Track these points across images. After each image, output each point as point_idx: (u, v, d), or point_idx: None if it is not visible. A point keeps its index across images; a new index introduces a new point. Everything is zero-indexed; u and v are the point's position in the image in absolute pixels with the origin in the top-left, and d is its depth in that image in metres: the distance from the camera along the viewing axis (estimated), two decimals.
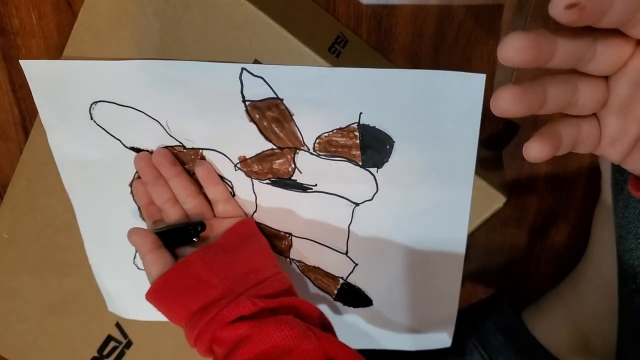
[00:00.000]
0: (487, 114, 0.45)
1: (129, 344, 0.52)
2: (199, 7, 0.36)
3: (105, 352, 0.52)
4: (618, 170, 0.34)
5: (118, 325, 0.51)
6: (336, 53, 0.38)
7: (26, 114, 0.49)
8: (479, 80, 0.32)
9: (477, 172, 0.37)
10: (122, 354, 0.52)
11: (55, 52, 0.46)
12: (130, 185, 0.43)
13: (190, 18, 0.36)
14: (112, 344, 0.52)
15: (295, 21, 0.37)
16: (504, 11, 0.41)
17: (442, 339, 0.45)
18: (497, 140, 0.46)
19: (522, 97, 0.24)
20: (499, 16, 0.41)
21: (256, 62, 0.36)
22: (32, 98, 0.48)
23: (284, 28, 0.35)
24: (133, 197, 0.44)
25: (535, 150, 0.25)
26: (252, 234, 0.41)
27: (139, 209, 0.44)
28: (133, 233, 0.41)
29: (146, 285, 0.42)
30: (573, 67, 0.25)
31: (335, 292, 0.44)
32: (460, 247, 0.39)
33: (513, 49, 0.22)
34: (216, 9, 0.35)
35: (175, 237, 0.41)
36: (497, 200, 0.38)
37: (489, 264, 0.53)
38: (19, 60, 0.39)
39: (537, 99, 0.24)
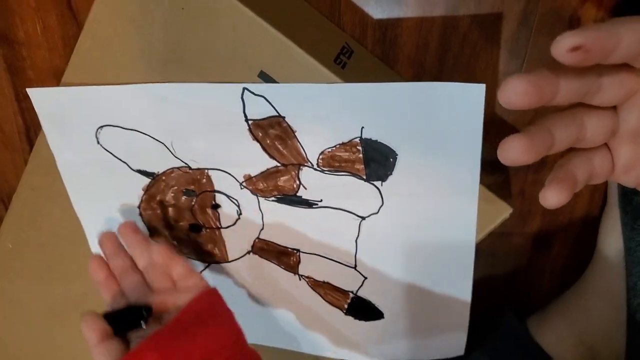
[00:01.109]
0: (492, 124, 0.45)
1: None
2: (204, 18, 0.36)
3: None
4: None
5: None
6: (342, 64, 0.38)
7: (30, 124, 0.49)
8: (478, 90, 0.32)
9: (482, 183, 0.37)
10: None
11: (60, 62, 0.46)
12: (139, 206, 0.44)
13: (196, 29, 0.36)
14: None
15: (301, 32, 0.37)
16: (509, 22, 0.41)
17: (455, 348, 0.45)
18: None
19: (531, 147, 0.23)
20: (504, 27, 0.41)
21: (262, 73, 0.36)
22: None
23: (289, 39, 0.35)
24: (142, 218, 0.44)
25: (554, 198, 0.24)
26: (213, 308, 0.37)
27: (148, 229, 0.44)
28: (82, 323, 0.36)
29: None
30: (578, 102, 0.24)
31: (346, 306, 0.44)
32: (469, 257, 0.39)
33: (514, 93, 0.21)
34: (221, 20, 0.35)
35: (124, 319, 0.36)
36: (504, 211, 0.38)
37: (494, 273, 0.53)
38: (26, 89, 0.40)
39: (545, 145, 0.23)
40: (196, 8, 0.35)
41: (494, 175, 0.43)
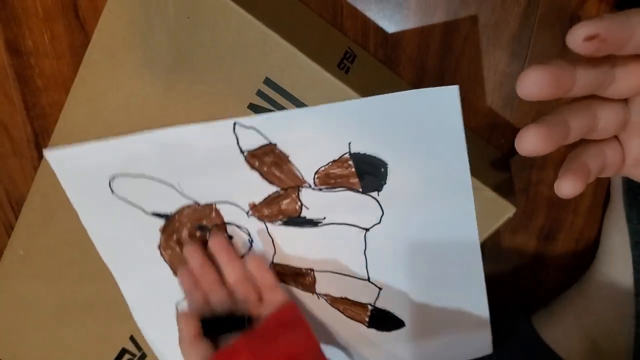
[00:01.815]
0: (495, 125, 0.45)
1: (143, 357, 0.53)
2: (208, 26, 0.36)
3: None
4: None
5: (132, 339, 0.52)
6: (345, 69, 0.39)
7: (39, 131, 0.50)
8: (453, 91, 0.34)
9: (485, 182, 0.38)
10: None
11: (68, 71, 0.46)
12: (159, 247, 0.46)
13: (200, 38, 0.37)
14: (127, 356, 0.53)
15: (304, 38, 0.38)
16: (510, 23, 0.42)
17: (482, 346, 0.45)
18: (505, 149, 0.46)
19: (549, 136, 0.23)
20: (505, 28, 0.42)
21: (267, 80, 0.37)
22: (45, 116, 0.49)
23: (293, 45, 0.36)
24: (164, 258, 0.46)
25: (569, 188, 0.24)
26: (294, 320, 0.42)
27: (171, 268, 0.46)
28: (179, 316, 0.42)
29: None
30: (591, 93, 0.24)
31: (367, 319, 0.45)
32: (475, 251, 0.40)
33: (534, 84, 0.21)
34: (226, 28, 0.36)
35: (220, 326, 0.42)
36: (507, 210, 0.39)
37: (498, 270, 0.53)
38: (43, 150, 0.42)
39: (562, 135, 0.24)
40: (201, 17, 0.36)
41: (498, 174, 0.43)
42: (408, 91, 0.34)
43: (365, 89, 0.37)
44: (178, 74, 0.38)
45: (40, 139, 0.50)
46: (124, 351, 0.53)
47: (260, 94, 0.37)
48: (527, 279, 0.53)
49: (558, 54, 0.42)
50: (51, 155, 0.42)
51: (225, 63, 0.37)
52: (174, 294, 0.48)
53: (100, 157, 0.41)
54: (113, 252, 0.47)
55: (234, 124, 0.38)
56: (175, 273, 0.47)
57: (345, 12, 0.43)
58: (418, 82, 0.44)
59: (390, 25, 0.43)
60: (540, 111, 0.44)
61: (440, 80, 0.44)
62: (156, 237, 0.45)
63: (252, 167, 0.39)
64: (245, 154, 0.39)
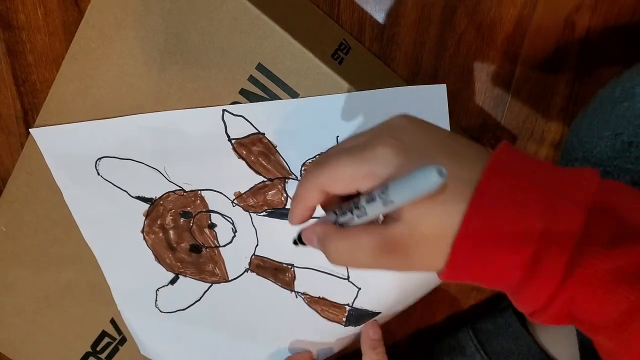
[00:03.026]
0: (485, 125, 0.46)
1: (122, 341, 0.52)
2: (204, 9, 0.36)
3: (98, 348, 0.53)
4: None
5: (113, 322, 0.51)
6: (339, 60, 0.39)
7: (28, 108, 0.49)
8: (441, 90, 0.34)
9: None
10: (115, 350, 0.53)
11: (60, 48, 0.46)
12: (142, 231, 0.45)
13: (196, 20, 0.37)
14: (106, 339, 0.52)
15: (300, 27, 0.37)
16: (505, 24, 0.42)
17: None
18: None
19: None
20: (500, 29, 0.42)
21: (260, 65, 0.36)
22: (35, 93, 0.48)
23: (288, 33, 0.36)
24: (146, 243, 0.46)
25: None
26: None
27: (154, 254, 0.46)
28: None
29: (171, 326, 0.47)
30: None
31: (344, 319, 0.45)
32: None
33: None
34: (222, 12, 0.36)
35: None
36: None
37: None
38: (30, 130, 0.42)
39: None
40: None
41: None
42: (397, 87, 0.35)
43: (358, 81, 0.37)
44: (171, 56, 0.38)
45: (30, 116, 0.50)
46: (103, 334, 0.52)
47: (252, 79, 0.37)
48: None
49: (550, 58, 0.43)
50: (38, 133, 0.42)
51: (219, 47, 0.37)
52: (156, 280, 0.47)
53: (88, 138, 0.41)
54: (96, 233, 0.46)
55: (223, 110, 0.38)
56: (157, 258, 0.46)
57: (343, 3, 0.43)
58: (412, 78, 0.45)
59: (386, 20, 0.43)
60: (531, 113, 0.45)
61: (433, 77, 0.44)
62: (140, 221, 0.45)
63: (239, 155, 0.39)
64: (232, 142, 0.39)
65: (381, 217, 0.25)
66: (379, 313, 0.44)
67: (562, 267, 0.21)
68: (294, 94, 0.37)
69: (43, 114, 0.42)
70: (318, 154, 0.38)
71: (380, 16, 0.43)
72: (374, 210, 0.24)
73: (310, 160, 0.39)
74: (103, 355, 0.53)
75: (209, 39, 0.37)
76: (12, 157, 0.51)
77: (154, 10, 0.37)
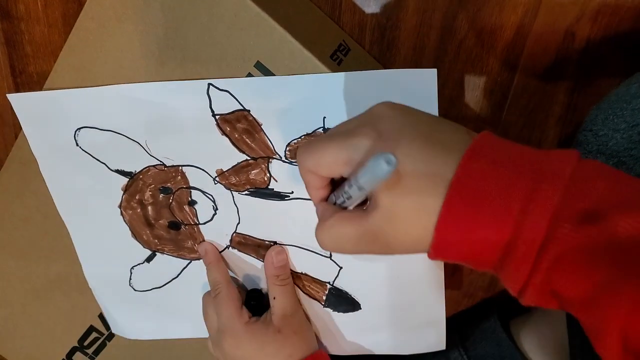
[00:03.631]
0: (461, 115, 0.45)
1: (110, 336, 0.52)
2: (205, 5, 0.36)
3: (85, 343, 0.52)
4: None
5: (101, 317, 0.51)
6: (338, 60, 0.38)
7: None
8: (431, 74, 0.34)
9: None
10: (103, 345, 0.52)
11: (59, 39, 0.46)
12: (120, 207, 0.44)
13: (196, 15, 0.36)
14: (94, 334, 0.52)
15: (300, 27, 0.37)
16: (505, 31, 0.42)
17: (435, 342, 0.45)
18: None
19: None
20: (500, 36, 0.42)
21: (258, 63, 0.36)
22: (32, 84, 0.48)
23: (287, 32, 0.35)
24: (124, 218, 0.45)
25: None
26: None
27: (130, 230, 0.45)
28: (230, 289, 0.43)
29: (145, 304, 0.46)
30: None
31: (324, 297, 0.44)
32: None
33: None
34: (222, 8, 0.36)
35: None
36: None
37: (482, 272, 0.53)
38: (7, 95, 0.40)
39: None
40: None
41: None
42: (389, 70, 0.34)
43: None
44: (170, 51, 0.38)
45: None
46: (91, 329, 0.52)
47: (250, 77, 0.37)
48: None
49: (549, 67, 0.43)
50: (15, 99, 0.40)
51: (218, 43, 0.37)
52: (131, 256, 0.46)
53: (67, 106, 0.40)
54: (70, 206, 0.45)
55: (208, 84, 0.37)
56: (134, 234, 0.45)
57: (344, 5, 0.43)
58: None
59: (387, 23, 0.43)
60: (528, 121, 0.45)
61: None
62: (118, 196, 0.44)
63: (223, 132, 0.38)
64: (216, 117, 0.38)
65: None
66: (359, 305, 0.44)
67: (537, 245, 0.23)
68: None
69: None
70: (303, 135, 0.37)
71: (381, 19, 0.43)
72: (355, 194, 0.25)
73: (295, 141, 0.38)
74: (90, 351, 0.52)
75: (209, 35, 0.37)
76: (6, 148, 0.51)
77: (154, 4, 0.37)
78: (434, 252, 0.25)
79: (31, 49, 0.47)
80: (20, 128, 0.44)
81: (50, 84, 0.41)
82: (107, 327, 0.51)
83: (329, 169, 0.27)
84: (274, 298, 0.42)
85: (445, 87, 0.44)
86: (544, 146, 0.45)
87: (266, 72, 0.36)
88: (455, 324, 0.50)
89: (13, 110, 0.48)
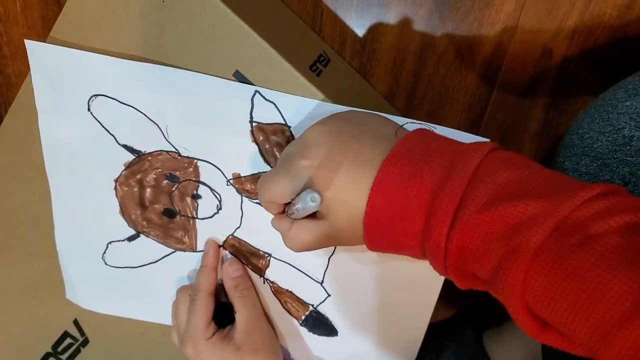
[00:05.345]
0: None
1: (85, 342, 0.51)
2: (185, 14, 0.36)
3: (59, 349, 0.51)
4: None
5: (76, 322, 0.50)
6: (317, 71, 0.39)
7: (1, 101, 0.48)
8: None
9: None
10: (77, 351, 0.52)
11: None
12: (116, 181, 0.43)
13: (176, 24, 0.36)
14: (68, 340, 0.51)
15: (280, 37, 0.37)
16: (484, 47, 0.42)
17: (407, 357, 0.45)
18: None
19: None
20: (479, 51, 0.42)
21: (237, 73, 0.36)
22: (10, 86, 0.48)
23: (267, 42, 0.36)
24: (116, 192, 0.44)
25: None
26: None
27: (120, 206, 0.44)
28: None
29: (112, 279, 0.45)
30: None
31: (303, 317, 0.44)
32: (433, 295, 0.40)
33: None
34: (202, 17, 0.36)
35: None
36: None
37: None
38: (24, 40, 0.39)
39: None
40: (177, 3, 0.36)
41: None
42: (440, 126, 0.35)
43: (336, 94, 0.37)
44: (149, 59, 0.38)
45: (2, 109, 0.49)
46: (65, 334, 0.51)
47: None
48: (483, 296, 0.54)
49: (527, 83, 0.43)
50: (33, 46, 0.39)
51: (197, 52, 0.37)
52: (112, 231, 0.45)
53: (91, 70, 0.38)
54: (60, 164, 0.43)
55: (255, 91, 0.37)
56: (122, 211, 0.44)
57: (325, 16, 0.43)
58: (390, 95, 0.45)
59: (367, 35, 0.43)
60: (505, 136, 0.45)
61: (411, 95, 0.45)
62: (118, 170, 0.43)
63: (255, 139, 0.38)
64: (253, 124, 0.38)
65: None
66: (336, 332, 0.44)
67: (445, 230, 0.27)
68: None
69: (14, 107, 0.42)
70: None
71: (361, 31, 0.43)
72: (300, 213, 0.31)
73: None
74: (64, 357, 0.52)
75: (187, 43, 0.37)
76: None
77: (133, 12, 0.37)
78: (367, 243, 0.31)
79: (9, 50, 0.46)
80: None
81: (27, 86, 0.40)
82: (82, 332, 0.51)
83: (281, 199, 0.33)
84: (236, 312, 0.42)
85: (425, 100, 0.44)
86: None
87: (245, 81, 0.36)
88: (431, 335, 0.50)
89: None
